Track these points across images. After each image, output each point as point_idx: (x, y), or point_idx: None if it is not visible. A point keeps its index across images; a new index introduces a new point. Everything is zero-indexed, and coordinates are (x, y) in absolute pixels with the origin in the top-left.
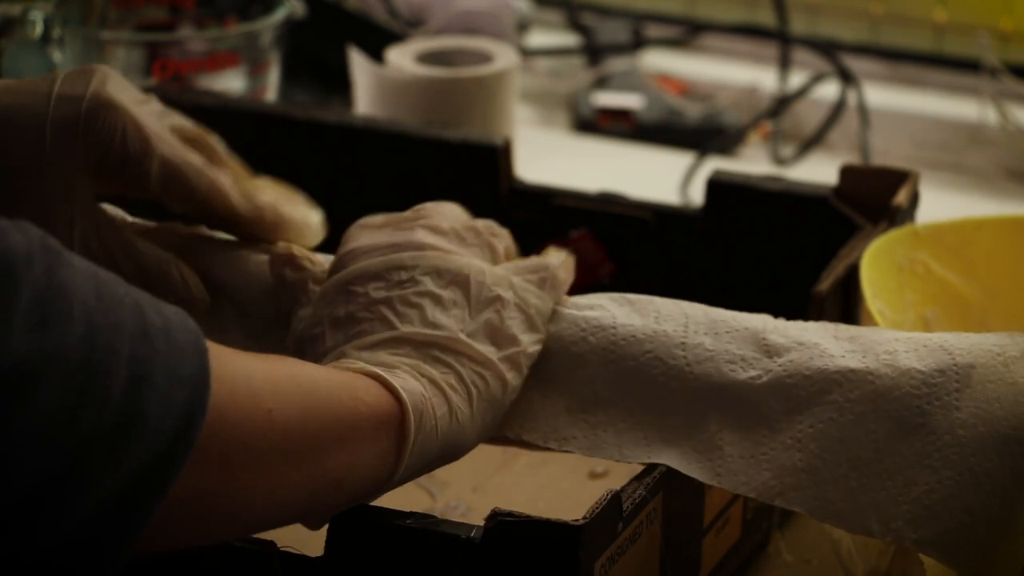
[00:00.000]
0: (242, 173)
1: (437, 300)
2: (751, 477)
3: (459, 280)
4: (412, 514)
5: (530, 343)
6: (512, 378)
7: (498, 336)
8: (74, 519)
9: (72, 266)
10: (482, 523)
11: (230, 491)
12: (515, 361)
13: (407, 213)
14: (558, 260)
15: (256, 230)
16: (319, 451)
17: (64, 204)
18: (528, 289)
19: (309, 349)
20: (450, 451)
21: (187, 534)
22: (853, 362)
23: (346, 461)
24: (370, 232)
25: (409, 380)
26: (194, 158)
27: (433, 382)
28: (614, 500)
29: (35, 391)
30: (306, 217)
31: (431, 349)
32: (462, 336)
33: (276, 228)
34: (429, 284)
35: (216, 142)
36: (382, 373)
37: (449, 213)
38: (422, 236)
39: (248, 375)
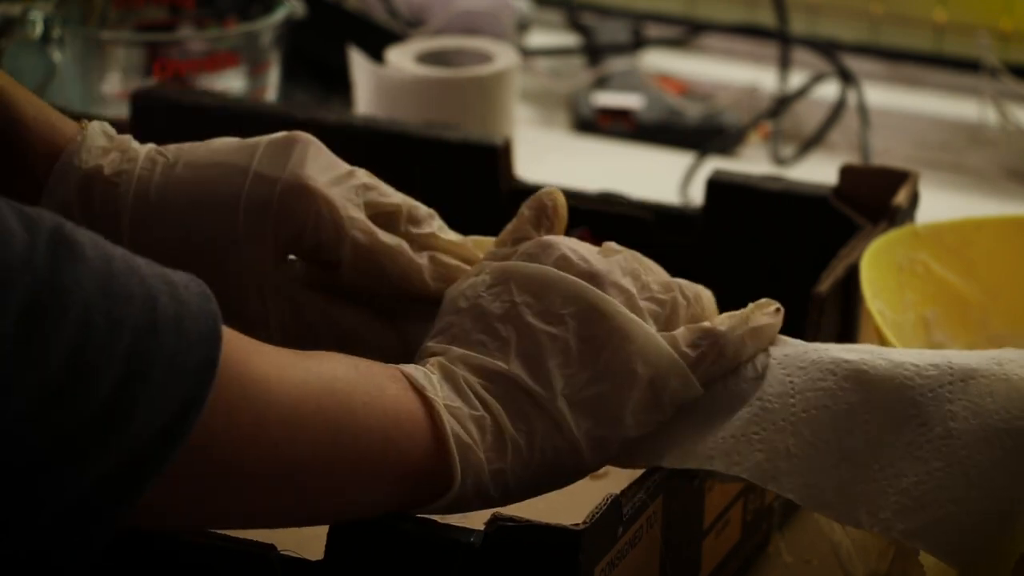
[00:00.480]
0: (448, 245)
1: (566, 351)
2: (744, 457)
3: (603, 339)
4: (412, 518)
5: (639, 426)
6: (592, 459)
7: (604, 412)
8: (48, 510)
9: (82, 261)
10: (482, 527)
11: (204, 508)
12: (606, 444)
13: (627, 252)
14: (734, 329)
15: None
16: (319, 490)
17: (256, 281)
18: (676, 369)
19: (453, 308)
20: (484, 505)
21: (170, 524)
22: (848, 355)
23: (349, 500)
24: (590, 245)
25: (472, 433)
26: (388, 241)
27: (500, 438)
28: (614, 504)
29: (10, 392)
30: None
31: (523, 402)
32: (560, 404)
33: None
34: (571, 329)
35: (421, 211)
36: (448, 428)
37: (658, 271)
38: (616, 276)
39: (271, 391)
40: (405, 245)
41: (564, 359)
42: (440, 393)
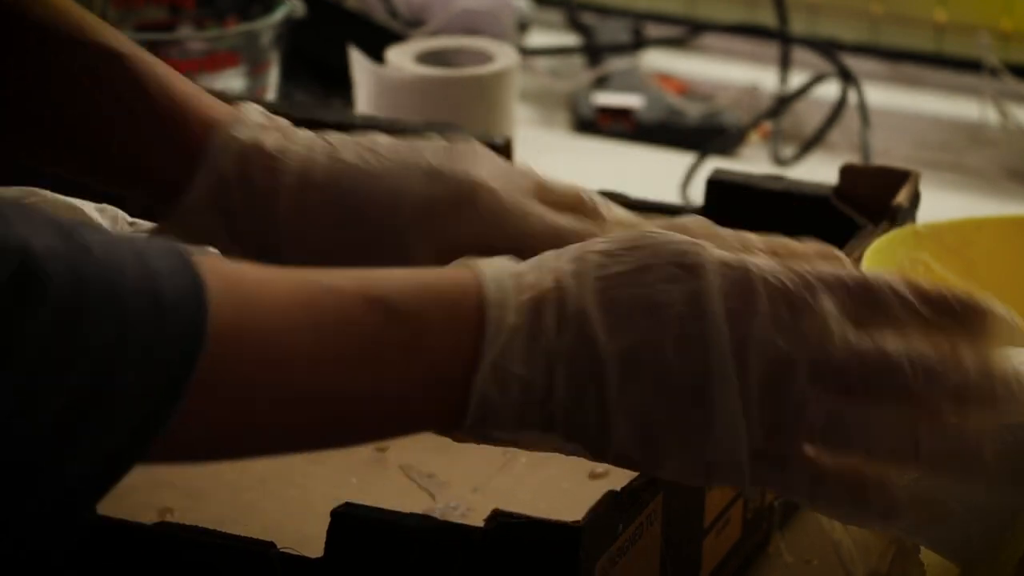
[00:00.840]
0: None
1: (661, 380)
2: None
3: (693, 401)
4: (412, 515)
5: (671, 475)
6: (611, 461)
7: (650, 447)
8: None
9: (41, 304)
10: (482, 524)
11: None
12: (629, 462)
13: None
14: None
15: None
16: (324, 435)
17: None
18: (734, 473)
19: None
20: None
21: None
22: None
23: (356, 438)
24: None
25: (510, 394)
26: (573, 225)
27: (532, 405)
28: (614, 501)
29: None
30: None
31: (587, 381)
32: (616, 410)
33: None
34: (678, 368)
35: (599, 202)
36: (477, 393)
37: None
38: (765, 349)
39: (271, 382)
40: (590, 225)
41: (655, 384)
42: (497, 346)
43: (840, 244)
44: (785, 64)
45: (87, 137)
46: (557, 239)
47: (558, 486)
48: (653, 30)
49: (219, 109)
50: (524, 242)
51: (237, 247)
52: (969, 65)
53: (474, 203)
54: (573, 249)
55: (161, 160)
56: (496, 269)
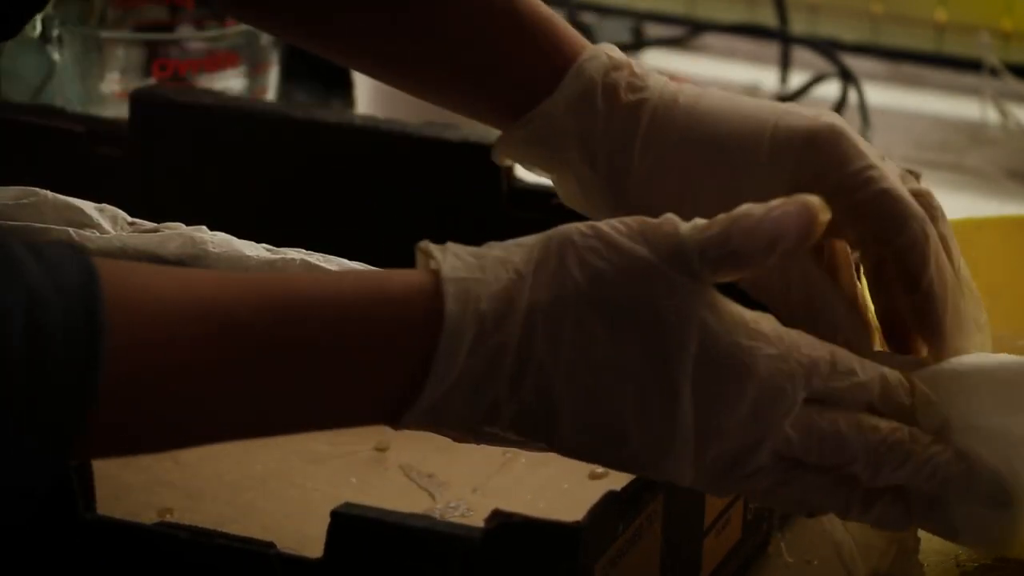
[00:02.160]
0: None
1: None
2: None
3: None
4: (412, 515)
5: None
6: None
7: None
8: None
9: None
10: (482, 524)
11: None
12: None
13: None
14: None
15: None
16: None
17: None
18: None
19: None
20: None
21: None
22: None
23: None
24: None
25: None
26: (915, 204)
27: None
28: (614, 501)
29: None
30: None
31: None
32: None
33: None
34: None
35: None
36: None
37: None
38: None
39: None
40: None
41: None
42: (439, 392)
43: None
44: (785, 64)
45: (459, 47)
46: (895, 203)
47: (558, 486)
48: (653, 30)
49: (580, 36)
50: (864, 189)
51: (585, 164)
52: (969, 65)
53: (832, 142)
54: None
55: (531, 68)
56: (461, 293)
